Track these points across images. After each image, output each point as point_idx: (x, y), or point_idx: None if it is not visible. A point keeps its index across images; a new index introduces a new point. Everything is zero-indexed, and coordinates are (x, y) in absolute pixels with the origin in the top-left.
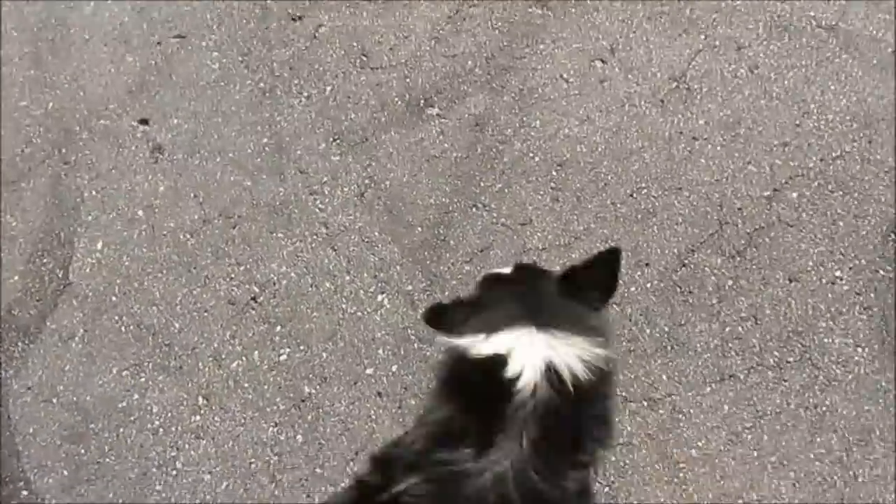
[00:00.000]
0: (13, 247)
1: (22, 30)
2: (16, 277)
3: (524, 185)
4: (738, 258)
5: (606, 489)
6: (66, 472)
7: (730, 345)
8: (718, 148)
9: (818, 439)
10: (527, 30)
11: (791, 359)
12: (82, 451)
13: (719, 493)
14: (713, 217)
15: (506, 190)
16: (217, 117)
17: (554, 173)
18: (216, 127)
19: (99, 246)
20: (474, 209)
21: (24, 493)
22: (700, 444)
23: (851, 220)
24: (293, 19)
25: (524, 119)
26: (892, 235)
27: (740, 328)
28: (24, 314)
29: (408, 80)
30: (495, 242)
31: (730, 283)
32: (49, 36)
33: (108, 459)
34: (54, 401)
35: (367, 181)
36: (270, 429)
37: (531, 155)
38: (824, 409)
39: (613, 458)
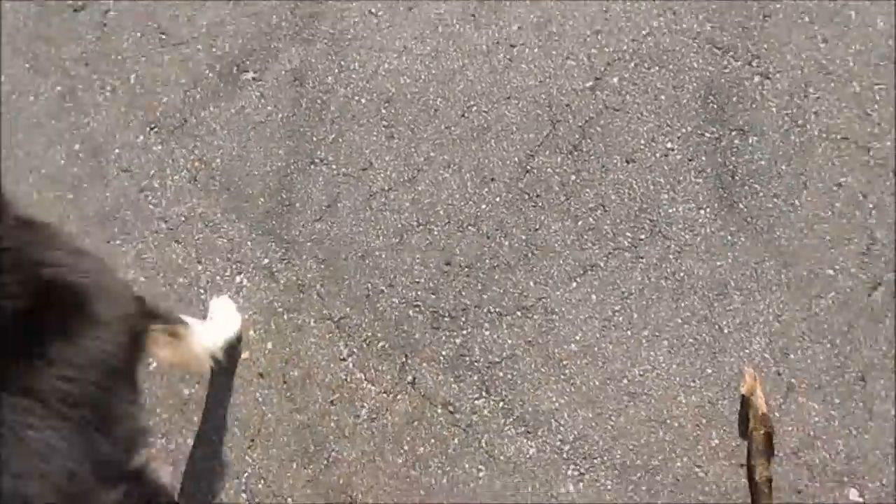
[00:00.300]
0: None
1: None
2: None
3: (357, 129)
4: (576, 152)
5: (501, 404)
6: None
7: (585, 237)
8: (536, 50)
9: (682, 304)
10: None
11: (643, 236)
12: None
13: (604, 377)
14: (544, 118)
15: (340, 139)
16: (18, 134)
17: (383, 111)
18: (19, 145)
19: None
20: (312, 166)
21: None
22: (577, 337)
23: (671, 91)
24: (75, 10)
25: (342, 63)
26: (710, 98)
27: (591, 219)
28: None
29: (214, 49)
30: (341, 194)
31: (573, 178)
32: None
33: None
34: None
35: (196, 164)
36: (158, 441)
37: (357, 98)
38: (682, 274)
39: (501, 374)
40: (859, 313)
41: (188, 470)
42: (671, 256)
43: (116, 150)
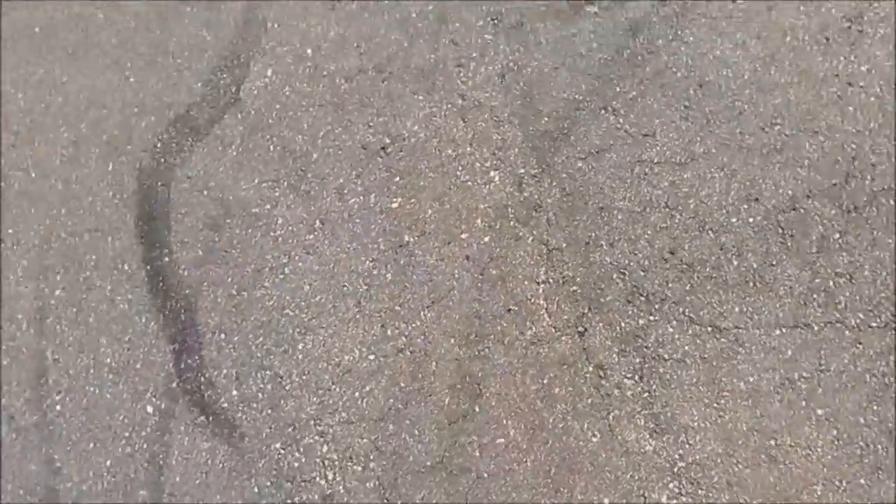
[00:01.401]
0: (201, 57)
1: None
2: (198, 84)
3: (658, 97)
4: (855, 213)
5: (646, 395)
6: (200, 252)
7: (815, 296)
8: (872, 98)
9: (874, 408)
10: None
11: (874, 324)
12: (216, 238)
13: (754, 427)
14: (841, 168)
15: (639, 99)
16: None
17: (691, 92)
18: None
19: (269, 73)
20: (603, 111)
21: (166, 259)
22: (751, 379)
23: None
24: None
25: (678, 32)
26: None
27: (832, 282)
28: (199, 117)
29: None
30: (613, 147)
31: (836, 236)
32: None
33: (233, 251)
34: (205, 192)
35: (511, 64)
36: (367, 262)
37: (674, 69)
38: (892, 378)
39: (661, 370)
40: None
41: (375, 295)
42: (892, 357)
43: (456, 24)
